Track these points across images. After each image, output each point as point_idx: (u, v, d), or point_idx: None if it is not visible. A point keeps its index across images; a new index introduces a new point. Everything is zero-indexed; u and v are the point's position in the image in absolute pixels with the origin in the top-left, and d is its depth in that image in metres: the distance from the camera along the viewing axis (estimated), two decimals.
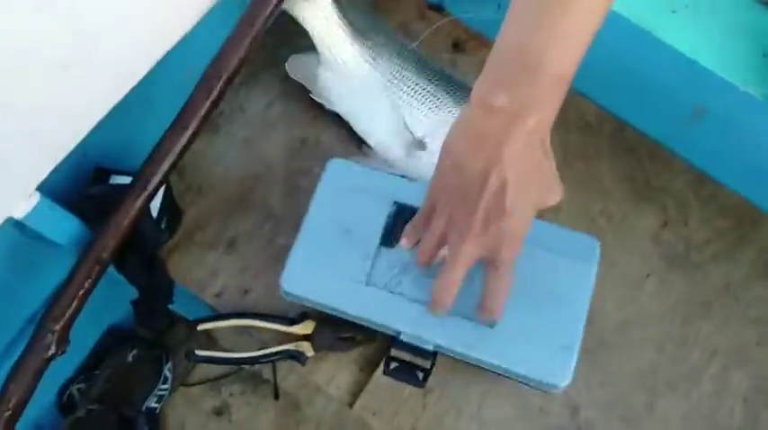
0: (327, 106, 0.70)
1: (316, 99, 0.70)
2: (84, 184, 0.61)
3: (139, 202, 0.53)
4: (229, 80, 0.56)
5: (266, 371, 0.64)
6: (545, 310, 0.53)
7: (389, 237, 0.57)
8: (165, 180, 0.55)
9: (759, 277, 0.71)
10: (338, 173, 0.61)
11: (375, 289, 0.56)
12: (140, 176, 0.54)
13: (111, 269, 0.59)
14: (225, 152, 0.71)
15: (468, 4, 0.77)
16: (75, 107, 0.50)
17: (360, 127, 0.70)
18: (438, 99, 0.68)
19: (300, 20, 0.68)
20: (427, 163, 0.66)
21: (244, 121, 0.72)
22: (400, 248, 0.55)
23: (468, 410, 0.64)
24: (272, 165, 0.71)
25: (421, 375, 0.58)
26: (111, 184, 0.60)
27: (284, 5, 0.61)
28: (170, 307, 0.67)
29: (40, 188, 0.52)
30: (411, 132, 0.67)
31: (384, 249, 0.58)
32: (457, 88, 0.69)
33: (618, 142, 0.75)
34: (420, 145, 0.67)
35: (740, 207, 0.74)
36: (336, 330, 0.65)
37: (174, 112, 0.71)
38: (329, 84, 0.70)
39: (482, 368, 0.55)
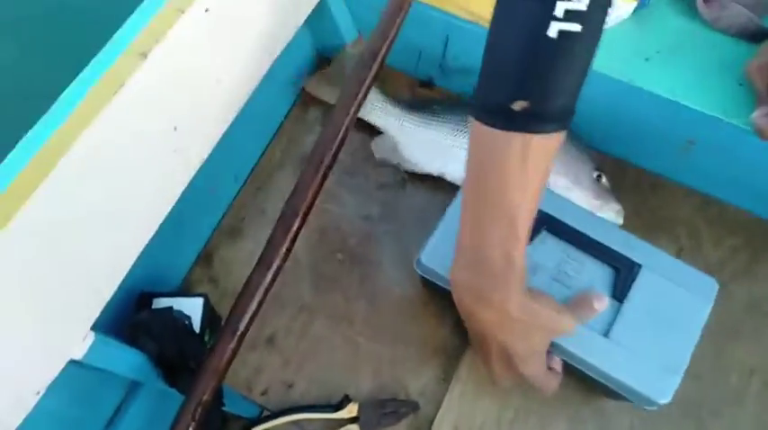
0: (419, 171, 0.79)
1: (407, 169, 0.79)
2: (130, 311, 0.66)
3: (233, 344, 0.57)
4: (306, 215, 0.60)
5: None
6: (660, 333, 0.56)
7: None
8: (254, 318, 0.58)
9: None
10: None
11: None
12: (231, 318, 0.58)
13: (160, 383, 0.64)
14: (253, 254, 0.75)
15: (455, 78, 0.82)
16: (118, 250, 0.56)
17: (455, 175, 0.77)
18: None
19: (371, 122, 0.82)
20: None
21: (266, 222, 0.77)
22: (534, 249, 0.60)
23: None
24: (298, 257, 0.76)
25: None
26: (155, 309, 0.65)
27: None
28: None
29: (93, 325, 0.57)
30: None
31: None
32: None
33: (620, 180, 0.78)
34: None
35: (749, 222, 0.76)
36: (380, 407, 0.68)
37: (202, 228, 0.77)
38: (412, 152, 0.79)
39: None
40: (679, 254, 0.75)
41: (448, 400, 0.68)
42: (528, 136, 0.42)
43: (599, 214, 0.72)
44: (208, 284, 0.75)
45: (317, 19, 0.77)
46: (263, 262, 0.60)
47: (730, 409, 0.68)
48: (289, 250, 0.61)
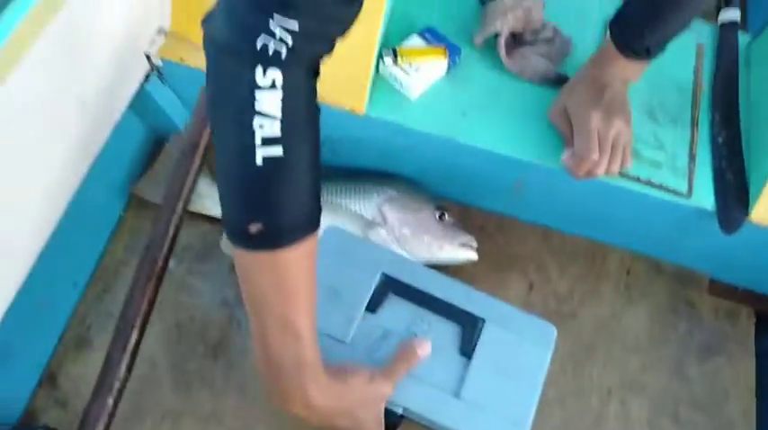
0: None
1: None
2: None
3: None
4: (144, 325, 0.57)
5: None
6: (507, 386, 0.59)
7: (374, 304, 0.62)
8: None
9: (624, 306, 0.79)
10: (333, 239, 0.66)
11: (356, 349, 0.60)
12: None
13: None
14: None
15: None
16: None
17: None
18: (362, 190, 0.77)
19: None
20: (385, 236, 0.75)
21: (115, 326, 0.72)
22: (383, 316, 0.61)
23: None
24: (155, 360, 0.71)
25: None
26: None
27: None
28: None
29: None
30: (363, 217, 0.76)
31: (368, 314, 0.62)
32: (367, 179, 0.79)
33: (467, 224, 0.81)
34: (372, 224, 0.76)
35: (587, 248, 0.82)
36: None
37: (40, 345, 0.71)
38: None
39: None
40: (530, 289, 0.79)
41: None
42: (272, 253, 0.44)
43: (451, 249, 0.75)
44: (55, 409, 0.68)
45: (144, 108, 0.74)
46: (103, 387, 0.56)
47: None
48: (129, 367, 0.57)
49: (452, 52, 0.72)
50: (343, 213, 0.76)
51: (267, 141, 0.42)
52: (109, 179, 0.76)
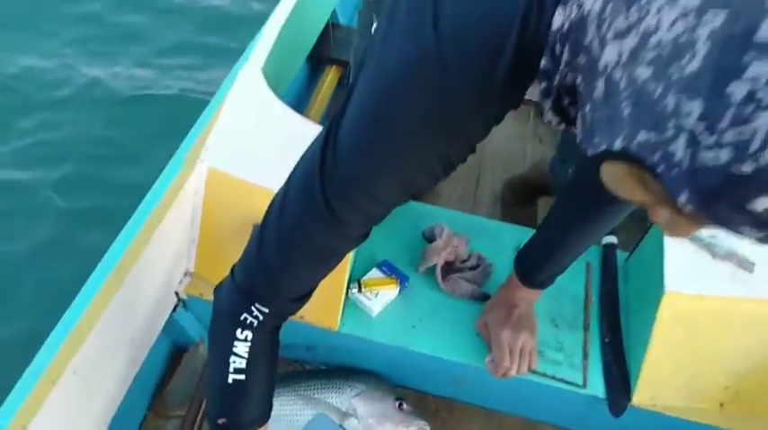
0: None
1: None
2: None
3: None
4: None
5: None
6: None
7: None
8: None
9: None
10: (320, 425, 0.85)
11: None
12: None
13: None
14: None
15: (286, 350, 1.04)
16: None
17: None
18: (337, 387, 0.97)
19: None
20: (356, 426, 0.94)
21: None
22: None
23: None
24: None
25: None
26: None
27: None
28: None
29: None
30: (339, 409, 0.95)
31: None
32: (340, 375, 0.99)
33: (423, 408, 1.01)
34: (347, 415, 0.95)
35: (522, 424, 1.02)
36: None
37: None
38: None
39: None
40: None
41: None
42: None
43: None
44: None
45: (169, 329, 0.97)
46: None
47: None
48: None
49: (402, 280, 0.98)
50: (324, 406, 0.96)
51: (236, 371, 0.65)
52: (138, 385, 0.96)
